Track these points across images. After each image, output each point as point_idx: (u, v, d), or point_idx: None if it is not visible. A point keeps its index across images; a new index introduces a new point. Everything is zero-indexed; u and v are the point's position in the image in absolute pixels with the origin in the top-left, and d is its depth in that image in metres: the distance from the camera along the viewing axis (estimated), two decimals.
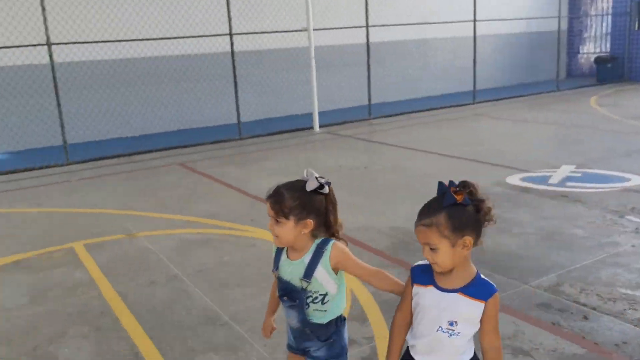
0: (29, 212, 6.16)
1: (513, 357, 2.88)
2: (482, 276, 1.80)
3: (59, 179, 7.78)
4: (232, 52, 9.74)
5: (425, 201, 1.78)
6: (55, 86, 8.37)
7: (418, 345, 1.84)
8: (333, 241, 1.99)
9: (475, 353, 1.84)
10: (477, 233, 1.75)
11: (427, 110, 12.09)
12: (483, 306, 1.74)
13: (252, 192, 6.34)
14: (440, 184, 1.76)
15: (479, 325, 1.78)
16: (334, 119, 11.21)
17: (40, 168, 8.38)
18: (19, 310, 3.79)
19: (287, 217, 1.92)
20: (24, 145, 9.89)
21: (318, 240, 1.99)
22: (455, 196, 1.71)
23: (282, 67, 12.19)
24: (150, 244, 4.87)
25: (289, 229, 1.93)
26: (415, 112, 11.94)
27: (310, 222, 1.94)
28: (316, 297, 1.99)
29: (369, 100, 11.32)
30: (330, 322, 2.03)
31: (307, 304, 1.99)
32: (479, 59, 13.05)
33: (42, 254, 4.78)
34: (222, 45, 10.76)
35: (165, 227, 5.32)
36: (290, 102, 12.40)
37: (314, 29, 10.22)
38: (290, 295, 2.00)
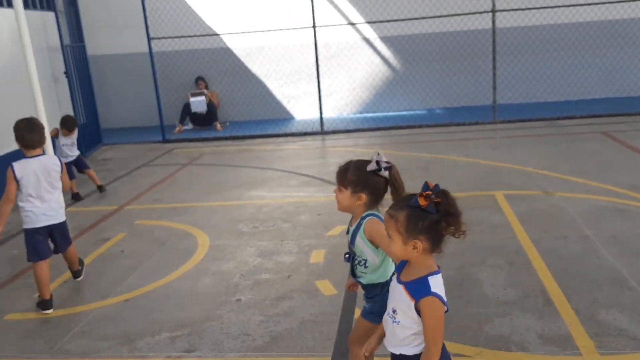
0: (459, 160, 7.16)
1: None
2: (432, 278, 1.82)
3: (485, 135, 8.64)
4: None
5: None
6: (494, 50, 9.17)
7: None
8: (370, 217, 2.29)
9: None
10: (432, 242, 1.80)
11: None
12: (413, 304, 1.82)
13: None
14: (425, 183, 1.82)
15: (418, 322, 1.83)
16: None
17: (470, 124, 9.43)
18: None
19: (345, 187, 2.29)
20: (459, 102, 11.18)
21: (365, 214, 2.31)
22: (422, 201, 1.77)
23: None
24: (565, 204, 5.14)
25: (345, 198, 2.30)
26: None
27: (363, 197, 2.27)
28: (360, 261, 2.36)
29: None
30: (372, 285, 2.35)
31: (355, 265, 2.39)
32: None
33: (468, 196, 5.60)
34: None
35: (582, 192, 5.48)
36: None
37: None
38: (349, 253, 2.44)
